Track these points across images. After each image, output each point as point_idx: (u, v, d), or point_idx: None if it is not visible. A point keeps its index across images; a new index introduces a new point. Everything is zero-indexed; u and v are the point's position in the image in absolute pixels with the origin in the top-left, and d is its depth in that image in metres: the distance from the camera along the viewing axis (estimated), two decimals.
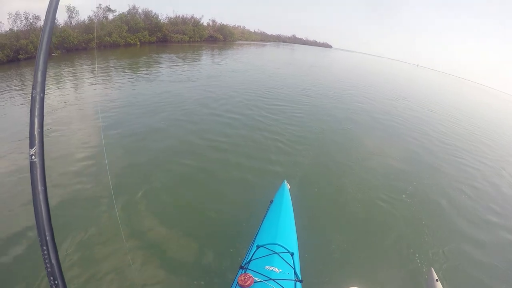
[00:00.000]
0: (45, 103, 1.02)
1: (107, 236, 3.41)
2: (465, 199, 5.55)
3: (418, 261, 3.55)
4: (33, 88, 0.99)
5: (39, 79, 1.00)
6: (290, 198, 3.26)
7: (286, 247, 2.28)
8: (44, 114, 1.00)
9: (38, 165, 0.92)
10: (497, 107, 26.97)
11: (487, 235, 4.47)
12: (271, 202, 3.11)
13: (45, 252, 0.88)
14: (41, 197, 0.91)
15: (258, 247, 2.31)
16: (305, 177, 5.15)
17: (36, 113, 0.97)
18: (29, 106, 0.99)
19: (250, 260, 2.27)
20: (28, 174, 0.92)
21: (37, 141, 0.94)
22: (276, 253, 2.27)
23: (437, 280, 2.86)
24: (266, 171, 5.20)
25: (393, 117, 10.80)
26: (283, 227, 2.71)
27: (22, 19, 21.57)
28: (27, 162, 0.94)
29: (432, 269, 3.00)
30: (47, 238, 0.88)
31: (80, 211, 3.83)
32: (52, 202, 1.19)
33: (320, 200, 4.58)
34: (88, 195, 4.18)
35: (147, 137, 6.26)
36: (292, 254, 2.23)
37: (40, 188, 0.90)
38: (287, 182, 3.62)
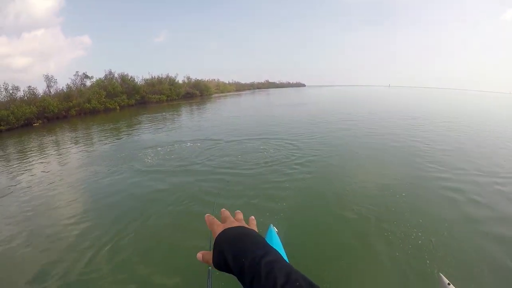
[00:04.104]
0: None
1: None
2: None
3: (426, 272, 3.50)
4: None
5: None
6: (280, 243, 3.08)
7: None
8: None
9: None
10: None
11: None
12: None
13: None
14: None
15: None
16: (293, 217, 4.98)
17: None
18: None
19: None
20: None
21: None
22: None
23: (449, 284, 2.73)
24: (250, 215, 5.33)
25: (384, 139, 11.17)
26: None
27: (2, 89, 22.84)
28: None
29: (441, 274, 2.88)
30: None
31: None
32: None
33: (314, 239, 4.44)
34: None
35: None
36: None
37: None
38: (274, 226, 3.47)
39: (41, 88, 27.48)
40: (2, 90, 22.84)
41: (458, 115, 20.36)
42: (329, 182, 6.59)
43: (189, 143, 11.02)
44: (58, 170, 8.88)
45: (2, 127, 18.88)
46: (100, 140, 13.43)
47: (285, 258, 2.67)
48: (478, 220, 4.81)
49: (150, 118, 21.22)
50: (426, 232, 4.35)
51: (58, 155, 11.14)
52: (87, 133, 16.31)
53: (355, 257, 3.90)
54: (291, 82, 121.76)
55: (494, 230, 4.46)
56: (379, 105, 28.39)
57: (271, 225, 3.47)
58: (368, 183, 6.47)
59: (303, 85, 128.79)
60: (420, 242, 4.12)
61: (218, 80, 68.72)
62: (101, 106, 29.41)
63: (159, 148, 10.41)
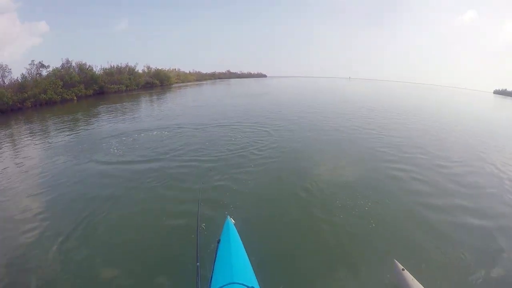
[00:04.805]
0: None
1: None
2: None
3: (380, 260, 3.66)
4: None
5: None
6: (237, 233, 3.14)
7: (244, 283, 2.12)
8: None
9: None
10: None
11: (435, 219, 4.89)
12: (219, 241, 2.90)
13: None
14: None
15: None
16: (251, 207, 5.12)
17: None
18: None
19: None
20: None
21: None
22: None
23: (403, 270, 2.83)
24: (207, 209, 4.90)
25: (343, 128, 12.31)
26: (236, 264, 2.53)
27: None
28: None
29: (396, 260, 2.99)
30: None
31: None
32: None
33: (269, 227, 4.59)
34: None
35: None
36: None
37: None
38: (231, 217, 3.52)
39: None
40: None
41: (407, 106, 22.98)
42: (289, 170, 6.87)
43: (155, 132, 11.10)
44: (16, 164, 8.28)
45: None
46: (59, 132, 12.62)
47: (243, 251, 2.87)
48: (429, 206, 5.21)
49: (110, 109, 21.06)
50: (383, 220, 4.64)
51: (15, 149, 10.19)
52: (44, 125, 15.42)
53: (312, 247, 4.11)
54: (252, 72, 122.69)
55: (445, 217, 4.89)
56: (339, 96, 31.17)
57: (228, 216, 3.52)
58: (326, 169, 6.83)
59: (264, 76, 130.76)
60: (376, 229, 4.35)
61: (179, 69, 67.74)
62: (58, 97, 28.63)
63: (124, 138, 10.28)
